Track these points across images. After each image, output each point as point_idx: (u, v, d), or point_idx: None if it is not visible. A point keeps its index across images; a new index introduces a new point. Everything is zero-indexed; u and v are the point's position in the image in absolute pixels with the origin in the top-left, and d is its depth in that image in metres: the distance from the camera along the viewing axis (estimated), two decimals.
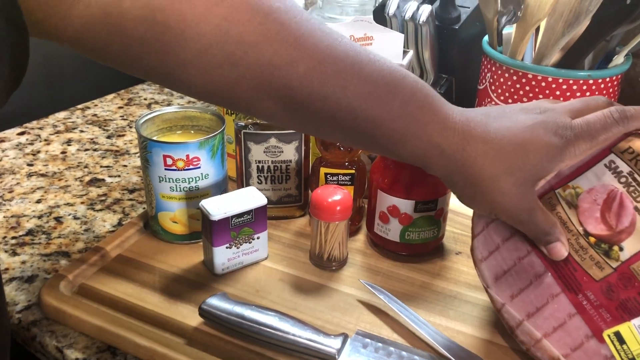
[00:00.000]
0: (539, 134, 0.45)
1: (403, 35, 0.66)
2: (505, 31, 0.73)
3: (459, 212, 0.70)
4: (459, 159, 0.45)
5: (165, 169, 0.60)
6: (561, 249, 0.48)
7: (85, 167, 0.84)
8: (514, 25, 0.70)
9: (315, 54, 0.41)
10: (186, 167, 0.60)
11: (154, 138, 0.61)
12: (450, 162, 0.45)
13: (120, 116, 1.01)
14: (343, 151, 0.62)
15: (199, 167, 0.60)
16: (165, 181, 0.61)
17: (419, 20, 0.71)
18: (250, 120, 0.64)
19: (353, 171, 0.63)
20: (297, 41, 0.41)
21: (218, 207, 0.57)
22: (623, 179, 0.47)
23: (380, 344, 0.50)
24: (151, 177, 0.61)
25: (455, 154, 0.45)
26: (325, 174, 0.63)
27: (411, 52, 0.70)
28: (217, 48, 0.39)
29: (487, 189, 0.46)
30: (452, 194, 0.62)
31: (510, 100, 0.71)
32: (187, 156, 0.59)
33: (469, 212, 0.54)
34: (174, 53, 0.39)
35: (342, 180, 0.63)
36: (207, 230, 0.58)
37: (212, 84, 0.41)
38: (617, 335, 0.46)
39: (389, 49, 0.65)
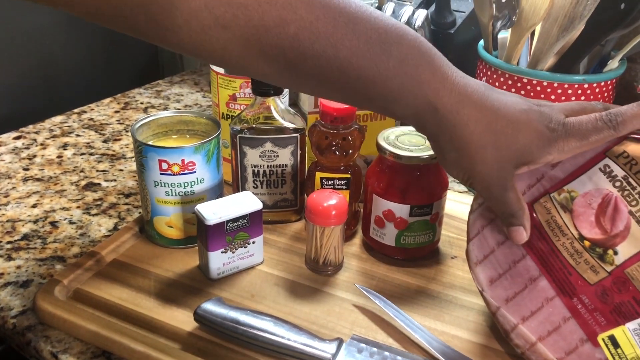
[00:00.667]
0: (533, 119, 0.46)
1: None
2: (500, 35, 0.73)
3: (454, 217, 0.70)
4: (451, 121, 0.45)
5: (161, 174, 0.60)
6: (522, 234, 0.49)
7: (81, 171, 0.84)
8: (509, 29, 0.70)
9: (307, 14, 0.41)
10: (181, 172, 0.60)
11: (150, 142, 0.61)
12: (442, 123, 0.45)
13: (117, 120, 1.01)
14: (338, 155, 0.62)
15: (195, 172, 0.60)
16: (161, 186, 0.61)
17: (414, 25, 0.71)
18: (246, 125, 0.64)
19: (348, 175, 0.63)
20: (288, 0, 0.40)
21: (213, 211, 0.57)
22: (618, 183, 0.47)
23: (375, 349, 0.50)
24: (146, 182, 0.61)
25: (448, 115, 0.44)
26: (321, 179, 0.63)
27: None
28: (206, 11, 0.39)
29: (471, 155, 0.46)
30: (446, 198, 0.62)
31: None
32: (183, 161, 0.59)
33: (465, 216, 0.54)
34: (164, 18, 0.39)
35: (338, 185, 0.63)
36: (202, 235, 0.58)
37: (203, 45, 0.41)
38: (612, 339, 0.46)
39: None
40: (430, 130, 0.47)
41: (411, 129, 0.63)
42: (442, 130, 0.46)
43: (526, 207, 0.49)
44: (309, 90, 0.46)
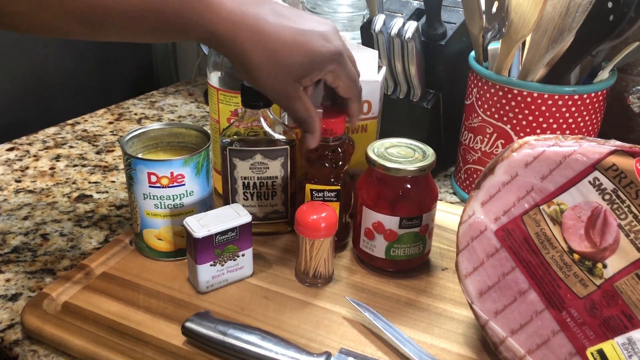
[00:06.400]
0: (309, 40, 0.53)
1: (377, 51, 0.66)
2: (492, 47, 0.73)
3: (445, 228, 0.70)
4: (230, 45, 0.52)
5: (150, 186, 0.60)
6: (309, 139, 0.59)
7: (74, 183, 0.83)
8: (500, 41, 0.71)
9: None
10: (171, 185, 0.60)
11: (139, 155, 0.61)
12: (225, 47, 0.52)
13: (110, 131, 1.00)
14: (329, 167, 0.62)
15: (184, 184, 0.60)
16: (150, 198, 0.60)
17: (405, 37, 0.72)
18: (235, 137, 0.64)
19: (338, 187, 0.63)
20: None
21: (202, 224, 0.57)
22: (607, 196, 0.46)
23: None
24: (136, 195, 0.61)
25: (227, 40, 0.52)
26: (311, 191, 0.63)
27: (384, 68, 0.70)
28: None
29: (253, 71, 0.53)
30: (437, 209, 0.62)
31: (496, 116, 0.71)
32: (172, 173, 0.59)
33: (456, 227, 0.54)
34: None
35: (328, 197, 0.63)
36: (191, 248, 0.58)
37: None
38: (601, 353, 0.45)
39: (364, 65, 0.65)
40: (222, 53, 0.54)
41: (400, 140, 0.63)
42: (227, 53, 0.53)
43: (316, 116, 0.58)
44: (116, 38, 0.52)
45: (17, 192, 0.81)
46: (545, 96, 0.68)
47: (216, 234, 0.57)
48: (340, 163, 0.62)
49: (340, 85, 0.57)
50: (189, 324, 0.52)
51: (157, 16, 0.49)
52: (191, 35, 0.52)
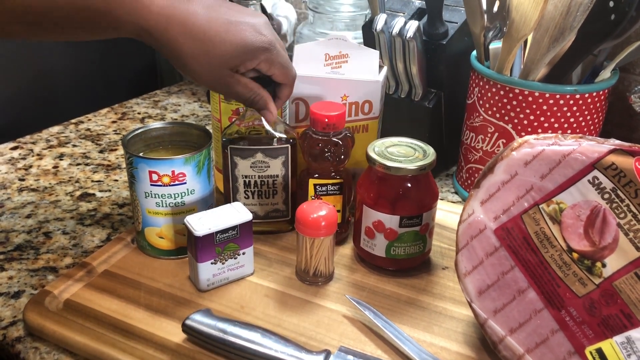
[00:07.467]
0: (241, 29, 0.54)
1: (378, 51, 0.66)
2: (493, 46, 0.73)
3: (446, 227, 0.70)
4: (163, 39, 0.52)
5: (151, 185, 0.60)
6: (267, 114, 0.60)
7: (77, 181, 0.84)
8: (502, 40, 0.71)
9: None
10: (172, 183, 0.60)
11: (141, 154, 0.61)
12: (158, 42, 0.53)
13: (114, 130, 1.01)
14: (331, 162, 0.63)
15: (185, 183, 0.60)
16: (151, 197, 0.61)
17: (406, 36, 0.72)
18: (237, 136, 0.64)
19: (341, 180, 0.64)
20: None
21: (203, 222, 0.57)
22: (606, 195, 0.46)
23: None
24: (137, 193, 0.61)
25: (159, 35, 0.52)
26: (315, 185, 0.63)
27: (385, 68, 0.70)
28: None
29: (188, 64, 0.54)
30: (438, 208, 0.62)
31: (498, 115, 0.71)
32: (173, 172, 0.59)
33: (457, 226, 0.54)
34: None
35: (331, 190, 0.64)
36: (192, 246, 0.58)
37: None
38: (599, 352, 0.45)
39: (364, 65, 0.66)
40: (156, 47, 0.54)
41: (401, 139, 0.63)
42: (160, 47, 0.53)
43: (262, 92, 0.58)
44: (54, 37, 0.52)
45: (20, 190, 0.81)
46: (547, 95, 0.68)
47: (217, 233, 0.57)
48: (342, 157, 0.63)
49: (276, 73, 0.58)
50: (189, 322, 0.52)
51: (87, 14, 0.49)
52: (122, 32, 0.52)
